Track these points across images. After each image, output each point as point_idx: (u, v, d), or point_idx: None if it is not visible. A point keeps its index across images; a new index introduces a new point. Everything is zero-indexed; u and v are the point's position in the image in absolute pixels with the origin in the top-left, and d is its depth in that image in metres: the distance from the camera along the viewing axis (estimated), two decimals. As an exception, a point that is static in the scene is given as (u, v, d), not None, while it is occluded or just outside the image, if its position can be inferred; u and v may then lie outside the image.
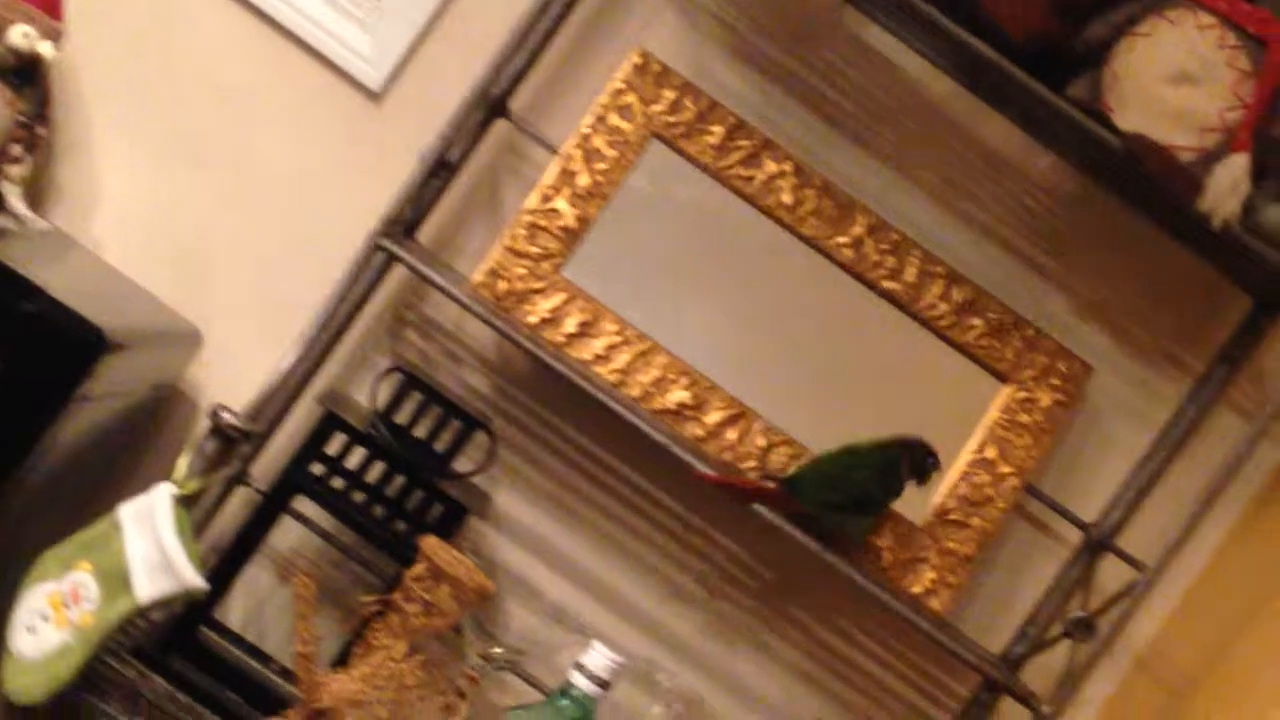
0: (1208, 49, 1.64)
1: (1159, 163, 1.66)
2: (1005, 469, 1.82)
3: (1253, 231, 1.69)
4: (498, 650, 1.77)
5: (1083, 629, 1.77)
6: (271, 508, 1.72)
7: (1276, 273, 1.72)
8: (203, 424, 1.74)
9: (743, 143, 1.80)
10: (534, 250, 1.78)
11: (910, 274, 1.82)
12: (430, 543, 1.64)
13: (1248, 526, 1.89)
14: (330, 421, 1.72)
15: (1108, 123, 1.67)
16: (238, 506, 1.80)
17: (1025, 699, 1.78)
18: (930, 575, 1.81)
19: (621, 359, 1.78)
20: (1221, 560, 1.89)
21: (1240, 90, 1.64)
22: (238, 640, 1.80)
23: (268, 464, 1.79)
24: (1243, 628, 1.75)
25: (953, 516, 1.81)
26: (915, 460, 1.74)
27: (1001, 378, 1.83)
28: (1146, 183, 1.71)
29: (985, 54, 1.66)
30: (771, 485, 1.70)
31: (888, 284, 1.82)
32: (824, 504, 1.71)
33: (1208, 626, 1.84)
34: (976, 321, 1.83)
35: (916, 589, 1.80)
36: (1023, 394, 1.83)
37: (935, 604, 1.80)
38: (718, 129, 1.80)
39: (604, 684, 1.61)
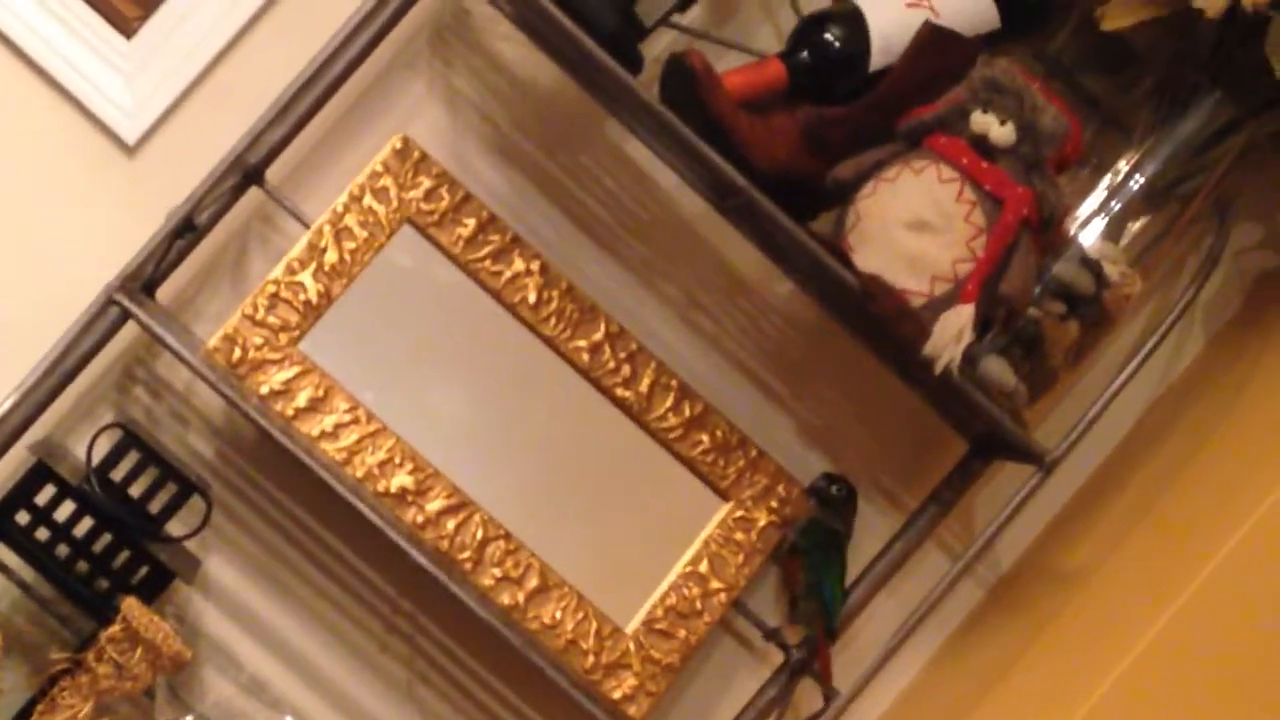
0: (947, 201, 1.70)
1: (890, 305, 1.71)
2: (716, 584, 1.85)
3: (972, 380, 1.76)
4: (188, 719, 1.75)
5: (774, 749, 1.81)
6: (-32, 553, 1.69)
7: (990, 421, 1.79)
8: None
9: (494, 238, 1.83)
10: (273, 321, 1.77)
11: (644, 384, 1.85)
12: (130, 604, 1.62)
13: (943, 660, 1.95)
14: (40, 471, 1.69)
15: (847, 260, 1.72)
16: (-66, 551, 1.75)
17: (712, 812, 1.81)
18: (631, 682, 1.83)
19: (349, 438, 1.78)
20: (915, 691, 1.95)
21: (974, 244, 1.70)
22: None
23: (-24, 510, 1.75)
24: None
25: (659, 626, 1.84)
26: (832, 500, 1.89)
27: (722, 495, 1.87)
28: (878, 322, 1.77)
29: (735, 181, 1.71)
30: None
31: (621, 392, 1.85)
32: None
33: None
34: (704, 437, 1.87)
35: (617, 694, 1.82)
36: (740, 513, 1.87)
37: (634, 710, 1.82)
38: (470, 221, 1.82)
39: (292, 762, 1.60)
